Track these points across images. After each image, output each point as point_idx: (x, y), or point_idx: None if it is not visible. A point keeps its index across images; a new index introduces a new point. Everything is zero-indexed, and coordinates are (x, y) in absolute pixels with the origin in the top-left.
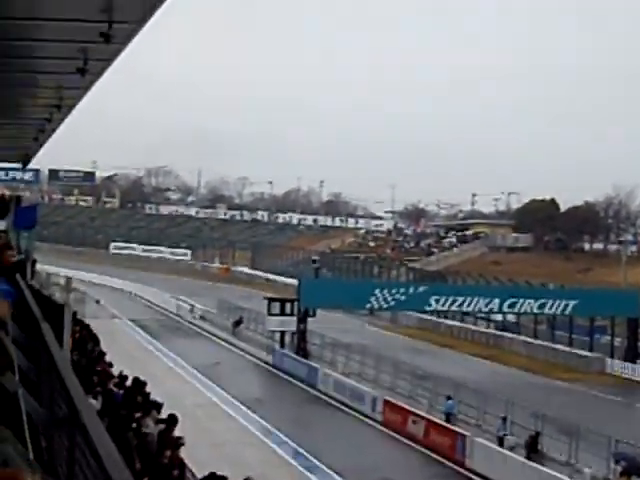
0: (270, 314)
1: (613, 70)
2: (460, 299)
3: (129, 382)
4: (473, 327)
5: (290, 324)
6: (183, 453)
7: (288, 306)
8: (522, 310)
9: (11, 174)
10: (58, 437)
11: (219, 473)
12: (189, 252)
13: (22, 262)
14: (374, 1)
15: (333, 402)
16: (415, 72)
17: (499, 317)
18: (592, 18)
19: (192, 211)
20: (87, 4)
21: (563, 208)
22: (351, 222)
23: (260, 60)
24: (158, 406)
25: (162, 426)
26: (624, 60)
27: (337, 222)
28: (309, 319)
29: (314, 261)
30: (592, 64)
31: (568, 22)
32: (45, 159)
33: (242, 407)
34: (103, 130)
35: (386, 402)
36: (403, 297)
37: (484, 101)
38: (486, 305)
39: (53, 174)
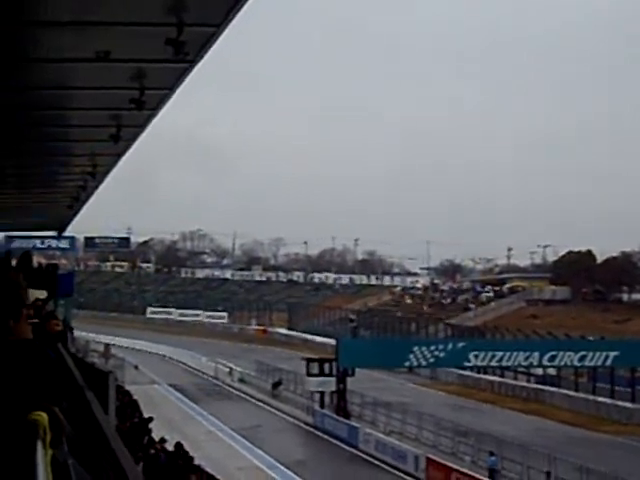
0: (309, 374)
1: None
2: (499, 354)
3: (171, 446)
4: (513, 382)
5: (329, 384)
6: None
7: (327, 366)
8: (562, 363)
9: (47, 242)
10: None
11: None
12: (226, 315)
13: (63, 330)
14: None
15: (375, 462)
16: (446, 125)
17: (539, 371)
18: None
19: (228, 274)
20: (118, 72)
21: (600, 259)
22: (387, 280)
23: (298, 127)
24: (200, 470)
25: None
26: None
27: (373, 280)
28: (348, 378)
29: (351, 320)
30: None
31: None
32: (80, 226)
33: (284, 469)
34: (138, 196)
35: (429, 460)
36: (442, 354)
37: (518, 155)
38: (525, 359)
39: (89, 241)
